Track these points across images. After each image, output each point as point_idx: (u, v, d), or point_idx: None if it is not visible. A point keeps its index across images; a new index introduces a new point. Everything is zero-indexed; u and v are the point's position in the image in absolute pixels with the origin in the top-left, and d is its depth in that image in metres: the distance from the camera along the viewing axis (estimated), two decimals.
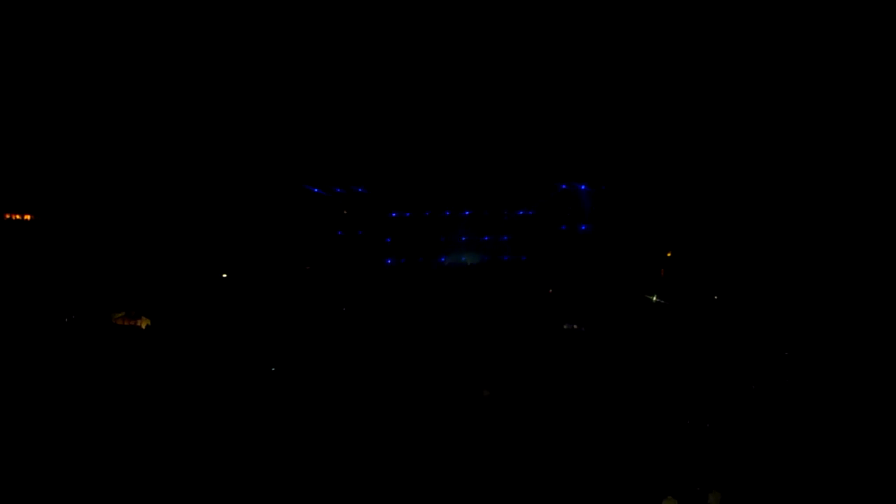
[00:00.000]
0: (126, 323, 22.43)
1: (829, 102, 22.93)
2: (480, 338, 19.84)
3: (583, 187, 29.34)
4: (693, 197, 26.64)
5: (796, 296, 25.01)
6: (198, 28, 21.03)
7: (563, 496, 9.92)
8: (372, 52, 22.42)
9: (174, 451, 10.87)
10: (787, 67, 22.18)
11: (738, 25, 20.63)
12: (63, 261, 23.35)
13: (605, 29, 21.29)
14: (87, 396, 12.99)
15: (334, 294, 27.90)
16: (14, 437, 10.90)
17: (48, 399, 12.65)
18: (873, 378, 14.60)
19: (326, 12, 20.50)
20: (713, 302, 24.44)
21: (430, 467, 10.61)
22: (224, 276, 28.29)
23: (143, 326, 22.44)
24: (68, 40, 21.19)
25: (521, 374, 15.90)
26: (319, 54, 22.96)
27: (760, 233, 26.08)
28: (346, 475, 10.44)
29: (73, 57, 21.82)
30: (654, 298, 25.91)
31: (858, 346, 17.46)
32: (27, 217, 25.26)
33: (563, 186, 29.48)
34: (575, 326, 24.67)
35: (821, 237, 24.96)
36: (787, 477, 10.14)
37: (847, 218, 24.84)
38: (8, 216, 24.99)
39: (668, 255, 29.04)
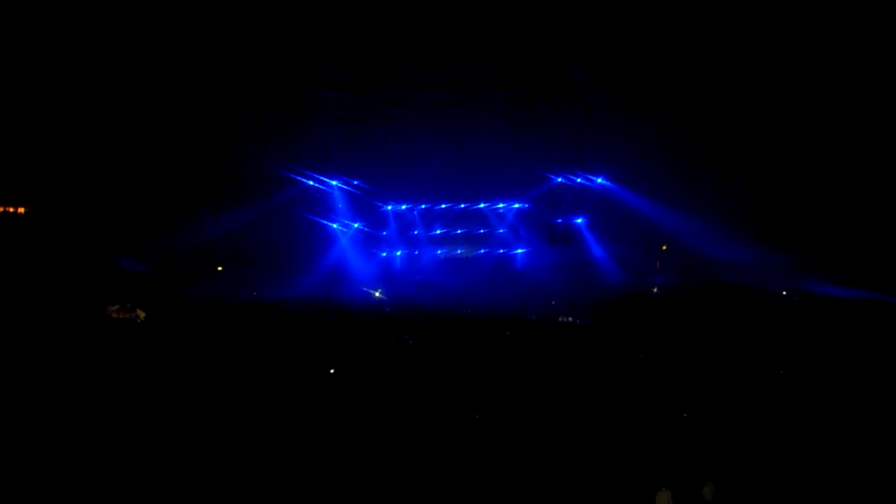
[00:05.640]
0: (122, 316, 22.45)
1: (828, 101, 22.98)
2: (476, 331, 19.91)
3: (579, 180, 29.43)
4: (690, 190, 26.75)
5: (793, 291, 25.17)
6: (194, 26, 20.96)
7: (556, 488, 9.99)
8: (366, 43, 22.32)
9: (169, 449, 10.89)
10: (785, 65, 22.21)
11: (738, 21, 20.63)
12: (58, 254, 23.33)
13: (605, 22, 21.24)
14: (85, 391, 13.00)
15: (331, 288, 28.01)
16: (9, 432, 10.92)
17: (44, 393, 12.66)
18: (870, 371, 14.68)
19: (318, 9, 20.43)
20: (709, 296, 24.59)
21: (426, 461, 10.66)
22: (220, 268, 28.34)
23: (140, 319, 22.46)
24: (66, 37, 21.09)
25: (516, 367, 15.95)
26: (315, 48, 22.88)
27: (757, 227, 26.21)
28: (342, 469, 10.50)
29: (69, 52, 21.72)
30: (655, 290, 26.09)
31: (856, 339, 17.54)
32: (21, 210, 25.22)
33: (559, 179, 29.57)
34: (570, 319, 24.81)
35: (820, 232, 25.11)
36: (782, 469, 10.22)
37: (845, 214, 25.00)
38: (2, 209, 24.94)
39: (664, 248, 29.20)
